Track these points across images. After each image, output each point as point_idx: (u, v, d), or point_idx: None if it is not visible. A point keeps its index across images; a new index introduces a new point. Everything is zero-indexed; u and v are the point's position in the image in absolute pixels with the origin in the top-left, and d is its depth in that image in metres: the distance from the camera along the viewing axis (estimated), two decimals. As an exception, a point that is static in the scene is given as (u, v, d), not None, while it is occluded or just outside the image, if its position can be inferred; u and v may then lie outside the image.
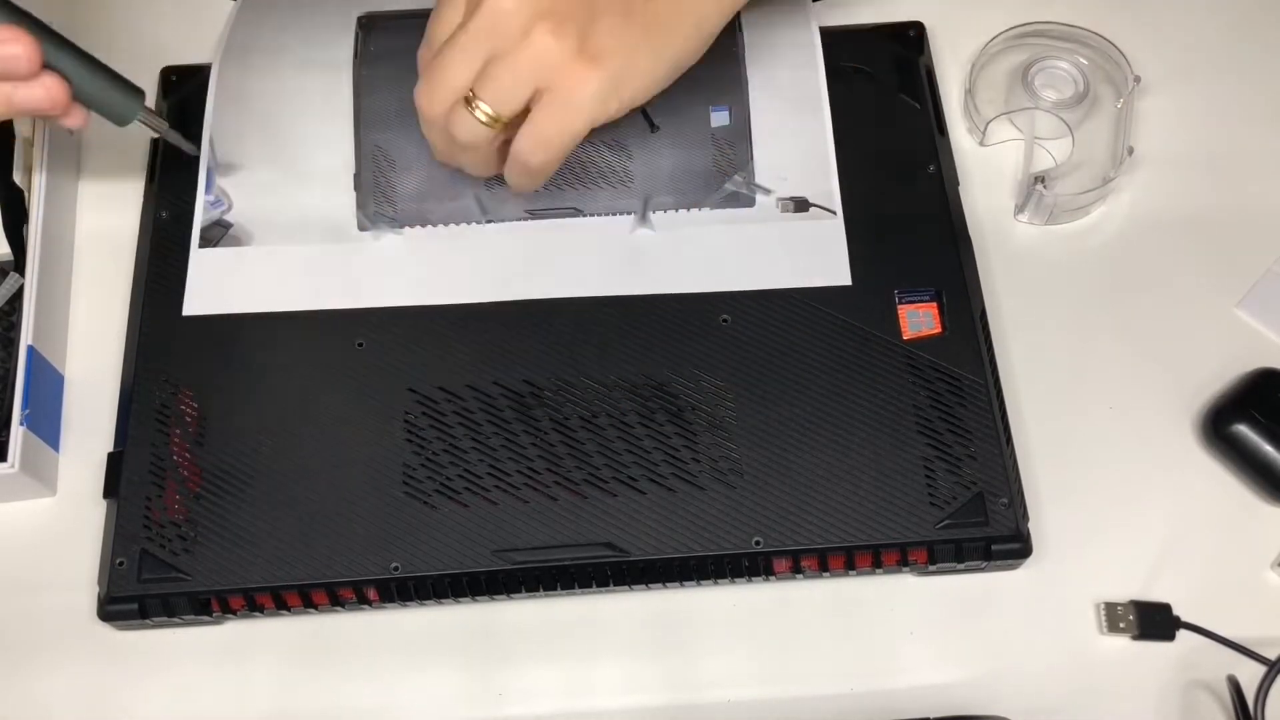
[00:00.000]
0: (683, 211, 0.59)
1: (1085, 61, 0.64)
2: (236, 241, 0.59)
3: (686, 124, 0.60)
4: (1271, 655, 0.51)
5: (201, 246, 0.59)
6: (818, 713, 0.52)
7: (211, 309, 0.57)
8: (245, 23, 0.64)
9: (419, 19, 0.62)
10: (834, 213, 0.59)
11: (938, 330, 0.56)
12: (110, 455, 0.55)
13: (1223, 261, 0.60)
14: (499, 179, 0.54)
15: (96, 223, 0.63)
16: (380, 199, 0.60)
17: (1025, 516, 0.53)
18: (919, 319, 0.56)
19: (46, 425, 0.56)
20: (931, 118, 0.61)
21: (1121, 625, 0.53)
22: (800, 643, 0.53)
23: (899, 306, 0.56)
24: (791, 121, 0.61)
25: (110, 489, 0.54)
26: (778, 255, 0.58)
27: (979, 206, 0.62)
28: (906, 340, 0.56)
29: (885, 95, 0.62)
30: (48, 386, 0.57)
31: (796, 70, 0.62)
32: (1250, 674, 0.50)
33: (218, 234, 0.59)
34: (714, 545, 0.52)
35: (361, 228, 0.59)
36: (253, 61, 0.63)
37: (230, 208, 0.59)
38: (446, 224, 0.59)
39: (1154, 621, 0.53)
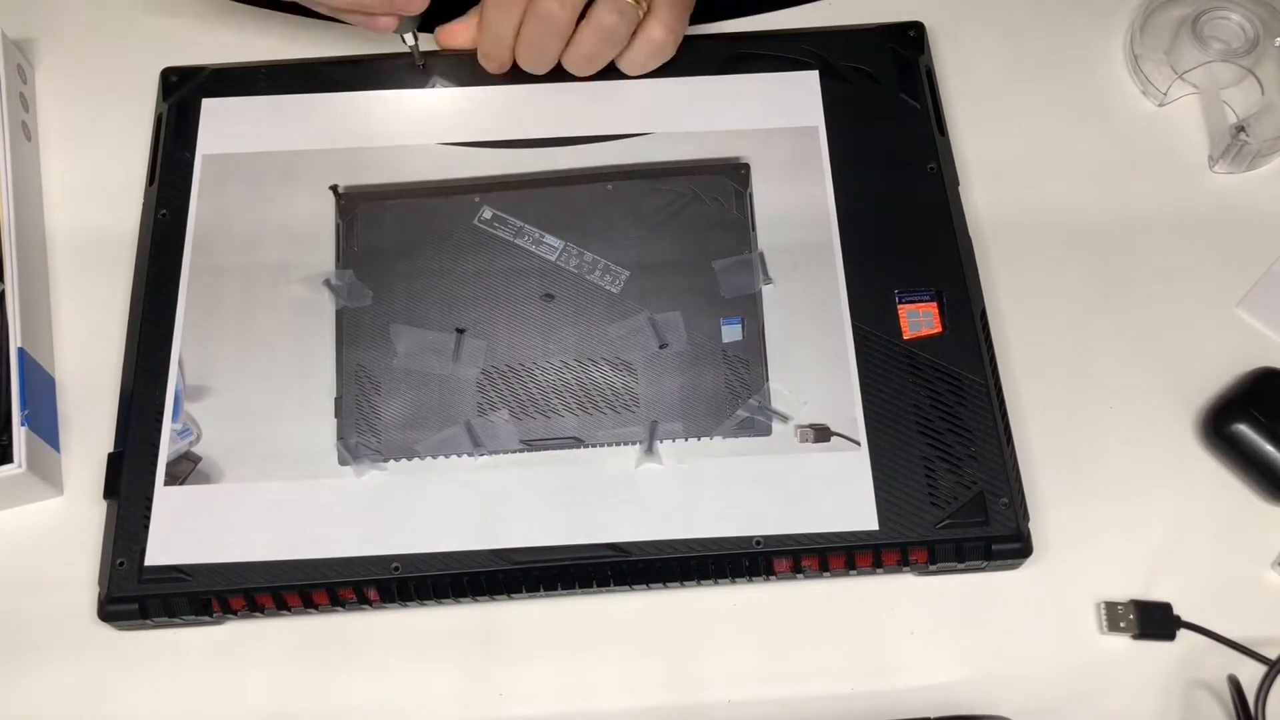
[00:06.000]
0: (692, 441, 0.54)
1: (1250, 9, 0.63)
2: (205, 478, 0.54)
3: (695, 338, 0.56)
4: (1272, 655, 0.51)
5: (167, 484, 0.53)
6: (818, 713, 0.52)
7: (174, 559, 0.52)
8: (206, 229, 0.59)
9: (400, 198, 0.58)
10: (858, 443, 0.54)
11: (938, 330, 0.56)
12: (110, 455, 0.55)
13: (1223, 261, 0.60)
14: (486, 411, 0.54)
15: (96, 222, 0.63)
16: (363, 427, 0.54)
17: (1025, 516, 0.53)
18: (919, 319, 0.56)
19: (44, 426, 0.56)
20: (931, 118, 0.61)
21: (1122, 625, 0.53)
22: (800, 643, 0.53)
23: (899, 306, 0.56)
24: (811, 335, 0.56)
25: (110, 489, 0.54)
26: (797, 494, 0.53)
27: (979, 206, 0.62)
28: (906, 340, 0.56)
29: (885, 95, 0.62)
30: (40, 388, 0.57)
31: (815, 275, 0.57)
32: (1251, 674, 0.50)
33: (185, 469, 0.54)
34: (714, 545, 0.52)
35: (342, 461, 0.54)
36: (223, 266, 0.58)
37: (199, 438, 0.54)
38: (435, 456, 0.54)
39: (1154, 621, 0.53)
